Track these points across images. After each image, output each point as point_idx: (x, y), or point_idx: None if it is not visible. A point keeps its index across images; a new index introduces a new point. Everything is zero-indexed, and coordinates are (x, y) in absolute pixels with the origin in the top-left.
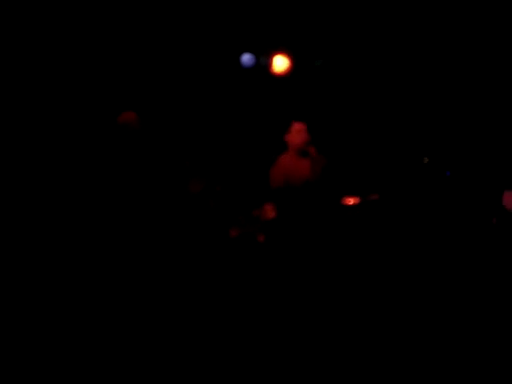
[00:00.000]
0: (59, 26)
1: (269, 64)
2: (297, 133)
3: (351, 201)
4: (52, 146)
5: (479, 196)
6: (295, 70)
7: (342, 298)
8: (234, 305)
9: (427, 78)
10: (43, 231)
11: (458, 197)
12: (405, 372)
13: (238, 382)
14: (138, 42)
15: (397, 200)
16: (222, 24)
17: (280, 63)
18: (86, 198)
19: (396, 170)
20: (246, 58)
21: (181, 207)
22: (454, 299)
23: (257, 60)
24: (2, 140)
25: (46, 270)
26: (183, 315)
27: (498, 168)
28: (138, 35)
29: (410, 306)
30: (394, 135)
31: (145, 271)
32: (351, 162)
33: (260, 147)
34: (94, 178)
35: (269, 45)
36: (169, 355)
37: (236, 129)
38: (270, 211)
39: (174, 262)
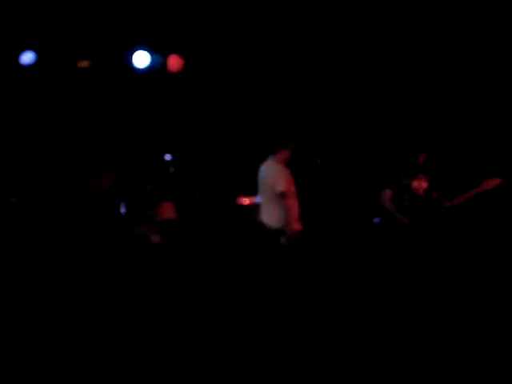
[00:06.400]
0: None
1: (163, 63)
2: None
3: (246, 200)
4: None
5: (365, 194)
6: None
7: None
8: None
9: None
10: None
11: (347, 195)
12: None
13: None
14: None
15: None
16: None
17: (175, 63)
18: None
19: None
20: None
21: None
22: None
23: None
24: None
25: None
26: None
27: (382, 169)
28: None
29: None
30: (288, 136)
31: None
32: (248, 162)
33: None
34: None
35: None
36: None
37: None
38: (167, 211)
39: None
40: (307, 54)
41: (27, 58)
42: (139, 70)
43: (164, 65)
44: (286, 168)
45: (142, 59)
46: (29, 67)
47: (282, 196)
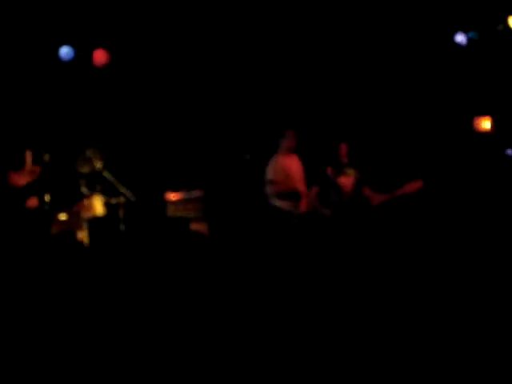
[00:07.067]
0: None
1: (89, 57)
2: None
3: (174, 196)
4: None
5: None
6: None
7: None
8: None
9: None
10: None
11: None
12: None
13: None
14: None
15: (221, 194)
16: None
17: (100, 56)
18: None
19: (219, 165)
20: (65, 52)
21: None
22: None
23: (76, 53)
24: None
25: None
26: None
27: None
28: None
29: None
30: (219, 133)
31: None
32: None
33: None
34: None
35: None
36: None
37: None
38: (94, 207)
39: None
40: (237, 39)
41: None
42: (65, 63)
43: (90, 58)
44: (286, 156)
45: (66, 53)
46: None
47: (269, 183)
